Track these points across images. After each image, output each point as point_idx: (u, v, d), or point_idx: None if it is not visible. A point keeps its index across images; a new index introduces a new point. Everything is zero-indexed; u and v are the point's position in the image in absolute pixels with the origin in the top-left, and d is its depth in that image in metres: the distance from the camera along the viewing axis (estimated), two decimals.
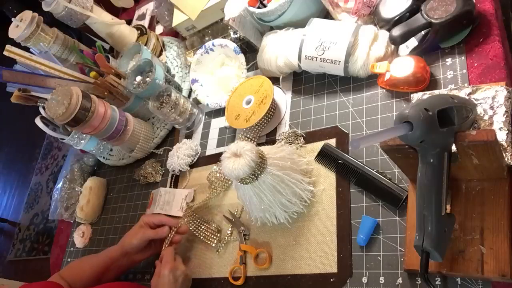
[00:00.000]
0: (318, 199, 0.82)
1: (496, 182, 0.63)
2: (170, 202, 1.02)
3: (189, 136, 1.11)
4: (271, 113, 0.96)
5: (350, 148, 0.83)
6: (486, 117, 0.67)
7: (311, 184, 0.82)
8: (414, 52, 0.82)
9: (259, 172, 0.74)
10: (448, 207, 0.65)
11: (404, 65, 0.77)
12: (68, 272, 0.92)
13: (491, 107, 0.67)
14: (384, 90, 0.84)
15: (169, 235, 0.90)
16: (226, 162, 0.74)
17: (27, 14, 1.17)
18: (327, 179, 0.83)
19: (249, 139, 0.96)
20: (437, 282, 0.64)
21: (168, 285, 0.80)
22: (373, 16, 0.89)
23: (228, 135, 1.04)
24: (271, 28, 1.03)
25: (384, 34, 0.85)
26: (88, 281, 0.90)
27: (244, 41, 1.09)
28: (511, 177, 0.63)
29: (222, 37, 1.13)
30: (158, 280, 0.81)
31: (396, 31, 0.78)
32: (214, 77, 1.12)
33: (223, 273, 0.86)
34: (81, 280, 0.90)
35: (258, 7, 0.96)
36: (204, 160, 1.04)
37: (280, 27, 0.98)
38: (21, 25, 1.16)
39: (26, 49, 1.14)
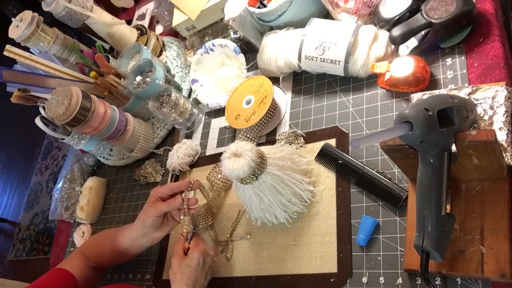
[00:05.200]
0: (318, 199, 0.82)
1: (496, 182, 0.63)
2: None
3: (189, 136, 1.11)
4: (271, 113, 0.96)
5: (350, 148, 0.83)
6: (486, 117, 0.67)
7: (311, 184, 0.82)
8: (414, 52, 0.82)
9: (259, 172, 0.74)
10: (448, 207, 0.65)
11: (404, 65, 0.77)
12: (88, 249, 0.93)
13: (491, 107, 0.67)
14: (384, 90, 0.84)
15: (184, 202, 0.84)
16: (226, 162, 0.74)
17: (27, 14, 1.17)
18: (327, 179, 0.83)
19: (249, 139, 0.96)
20: (437, 282, 0.64)
21: (196, 269, 0.75)
22: (373, 16, 0.89)
23: (228, 135, 1.04)
24: (271, 28, 1.03)
25: (384, 34, 0.85)
26: (109, 261, 0.93)
27: (244, 41, 1.09)
28: (511, 177, 0.63)
29: (222, 37, 1.13)
30: (185, 261, 0.75)
31: (396, 31, 0.78)
32: (214, 77, 1.12)
33: (228, 273, 0.86)
34: (101, 259, 0.92)
35: (258, 7, 0.96)
36: (204, 160, 1.04)
37: (280, 27, 0.98)
38: (21, 25, 1.16)
39: (26, 49, 1.14)
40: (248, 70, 1.07)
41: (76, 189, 1.22)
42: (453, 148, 0.57)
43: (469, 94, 0.70)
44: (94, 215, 1.17)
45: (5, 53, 1.07)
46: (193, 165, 1.05)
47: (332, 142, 0.85)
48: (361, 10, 0.88)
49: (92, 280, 0.91)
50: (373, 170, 0.76)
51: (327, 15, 0.97)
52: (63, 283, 0.84)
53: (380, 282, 0.69)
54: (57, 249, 1.23)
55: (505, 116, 0.65)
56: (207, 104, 1.08)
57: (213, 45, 1.09)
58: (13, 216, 3.30)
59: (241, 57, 1.03)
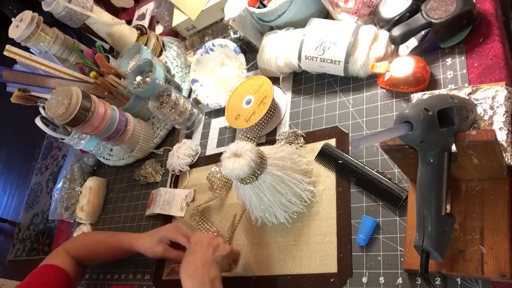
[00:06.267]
0: (318, 199, 0.82)
1: (496, 182, 0.63)
2: (170, 202, 1.02)
3: (189, 136, 1.11)
4: (271, 113, 0.96)
5: (350, 148, 0.83)
6: (486, 117, 0.67)
7: (311, 184, 0.82)
8: (414, 52, 0.82)
9: (259, 172, 0.74)
10: (448, 207, 0.65)
11: (404, 65, 0.77)
12: (79, 249, 0.94)
13: (491, 107, 0.67)
14: (384, 90, 0.84)
15: None
16: (226, 162, 0.74)
17: (27, 14, 1.17)
18: (327, 179, 0.83)
19: (249, 139, 0.96)
20: (437, 282, 0.64)
21: (199, 258, 0.74)
22: (373, 16, 0.89)
23: (228, 135, 1.04)
24: (271, 28, 1.03)
25: (384, 34, 0.85)
26: (99, 261, 0.99)
27: (244, 41, 1.09)
28: (511, 177, 0.63)
29: (222, 37, 1.13)
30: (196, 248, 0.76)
31: (396, 31, 0.78)
32: (214, 77, 1.12)
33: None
34: (92, 258, 0.96)
35: (258, 7, 0.96)
36: (204, 160, 1.04)
37: (280, 27, 0.98)
38: (21, 25, 1.16)
39: (26, 49, 1.14)
40: (248, 70, 1.07)
41: (76, 189, 1.22)
42: (453, 148, 0.57)
43: (469, 94, 0.70)
44: (94, 215, 1.17)
45: (5, 53, 1.07)
46: (193, 165, 1.05)
47: (332, 142, 0.85)
48: (361, 10, 0.88)
49: (80, 275, 0.94)
50: (373, 170, 0.76)
51: (327, 15, 0.97)
52: (57, 278, 0.85)
53: (380, 282, 0.69)
54: None
55: (505, 116, 0.65)
56: (207, 104, 1.08)
57: (213, 45, 1.09)
58: (13, 216, 3.30)
59: (241, 57, 1.03)
